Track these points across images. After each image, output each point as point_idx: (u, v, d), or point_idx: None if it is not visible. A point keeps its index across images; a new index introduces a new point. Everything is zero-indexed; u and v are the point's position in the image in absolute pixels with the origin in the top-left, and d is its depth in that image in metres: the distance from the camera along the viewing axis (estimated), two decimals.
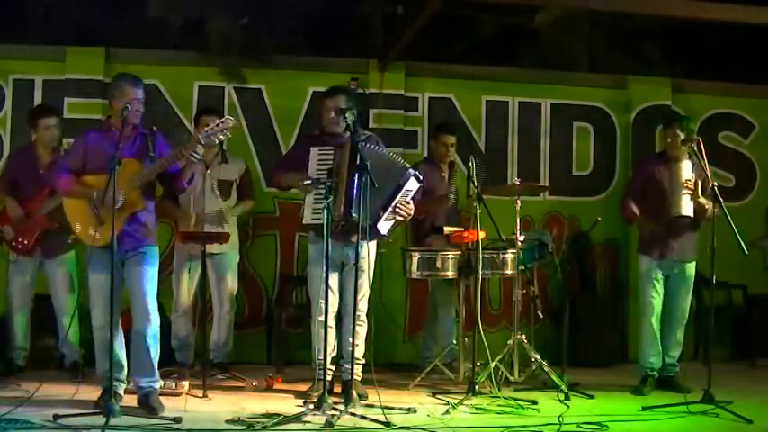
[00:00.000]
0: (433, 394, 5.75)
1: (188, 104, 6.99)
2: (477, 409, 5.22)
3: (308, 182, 5.27)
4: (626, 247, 7.52)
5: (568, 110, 7.69)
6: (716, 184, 5.52)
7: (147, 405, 4.83)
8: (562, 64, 8.14)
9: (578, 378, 6.08)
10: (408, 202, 5.47)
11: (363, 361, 5.56)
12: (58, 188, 5.20)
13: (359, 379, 5.52)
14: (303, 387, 5.65)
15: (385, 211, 5.35)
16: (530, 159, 7.60)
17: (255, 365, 6.58)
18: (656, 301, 5.99)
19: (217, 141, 5.03)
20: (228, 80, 7.09)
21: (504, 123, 7.59)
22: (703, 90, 7.87)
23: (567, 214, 7.61)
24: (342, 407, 4.93)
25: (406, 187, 5.39)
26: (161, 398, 4.99)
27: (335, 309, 5.46)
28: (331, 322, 5.34)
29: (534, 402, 5.34)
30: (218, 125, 4.85)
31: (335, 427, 4.62)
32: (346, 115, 5.34)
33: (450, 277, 6.00)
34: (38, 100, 6.81)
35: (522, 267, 6.08)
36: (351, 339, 5.32)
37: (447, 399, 5.53)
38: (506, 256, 5.96)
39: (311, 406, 4.95)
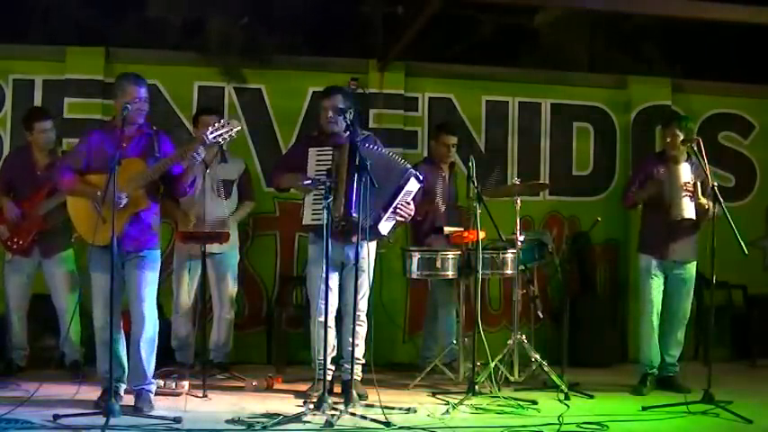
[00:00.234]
0: (433, 394, 5.75)
1: (188, 104, 6.99)
2: (477, 409, 5.22)
3: (308, 182, 5.26)
4: (626, 246, 7.52)
5: (568, 110, 7.69)
6: (716, 184, 5.52)
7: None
8: (562, 64, 8.14)
9: (578, 378, 6.08)
10: (409, 203, 5.47)
11: (363, 361, 5.56)
12: (61, 187, 5.20)
13: (359, 379, 5.52)
14: (303, 387, 5.65)
15: (386, 211, 5.35)
16: (530, 159, 7.60)
17: (255, 365, 6.58)
18: (656, 299, 5.99)
19: (222, 142, 5.02)
20: (228, 80, 7.10)
21: (504, 123, 7.59)
22: (703, 90, 7.87)
23: (566, 214, 7.61)
24: (342, 407, 4.93)
25: (406, 188, 5.39)
26: (161, 398, 4.99)
27: (335, 309, 5.46)
28: (331, 323, 5.34)
29: (534, 402, 5.34)
30: (224, 128, 4.85)
31: (335, 427, 4.62)
32: (346, 115, 5.35)
33: (450, 277, 6.00)
34: (38, 100, 6.82)
35: (522, 267, 6.08)
36: (351, 339, 5.32)
37: (447, 399, 5.53)
38: (506, 256, 5.96)
39: (311, 406, 4.95)
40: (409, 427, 4.69)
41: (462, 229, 6.11)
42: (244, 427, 4.59)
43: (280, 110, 7.18)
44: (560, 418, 4.94)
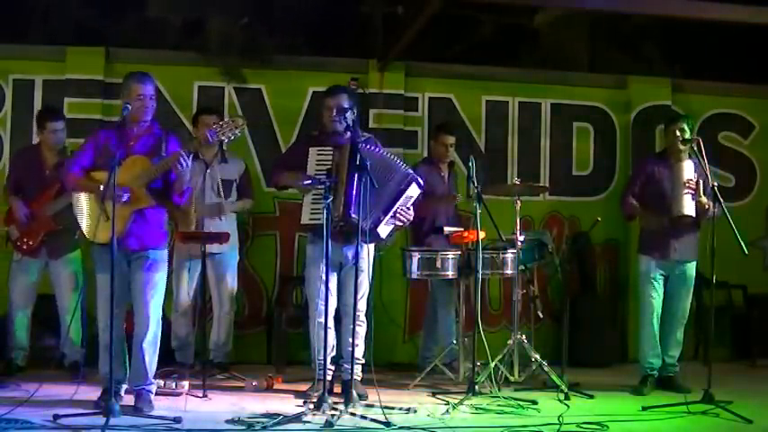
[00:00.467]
0: (433, 394, 5.75)
1: (188, 104, 6.99)
2: (477, 409, 5.21)
3: (308, 182, 5.25)
4: (626, 247, 7.52)
5: (568, 110, 7.70)
6: (716, 184, 5.52)
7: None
8: (562, 64, 8.14)
9: (578, 378, 6.08)
10: (409, 208, 5.47)
11: (363, 361, 5.56)
12: (65, 183, 5.22)
13: (359, 379, 5.52)
14: (303, 387, 5.65)
15: (386, 215, 5.35)
16: (530, 159, 7.60)
17: (255, 365, 6.58)
18: (656, 301, 5.99)
19: (226, 140, 5.01)
20: (228, 80, 7.10)
21: (504, 123, 7.59)
22: (703, 90, 7.87)
23: (567, 214, 7.61)
24: (342, 407, 4.93)
25: (407, 193, 5.39)
26: (161, 398, 4.99)
27: (334, 309, 5.46)
28: (330, 323, 5.33)
29: (534, 402, 5.34)
30: (228, 124, 4.85)
31: (335, 427, 4.61)
32: (346, 115, 5.34)
33: (450, 277, 6.00)
34: (38, 100, 6.82)
35: (522, 267, 6.08)
36: (350, 339, 5.32)
37: (447, 399, 5.53)
38: (506, 256, 5.96)
39: (311, 406, 4.95)
40: (409, 427, 4.69)
41: (462, 229, 6.12)
42: (244, 427, 4.58)
43: (280, 110, 7.18)
44: (560, 418, 4.94)
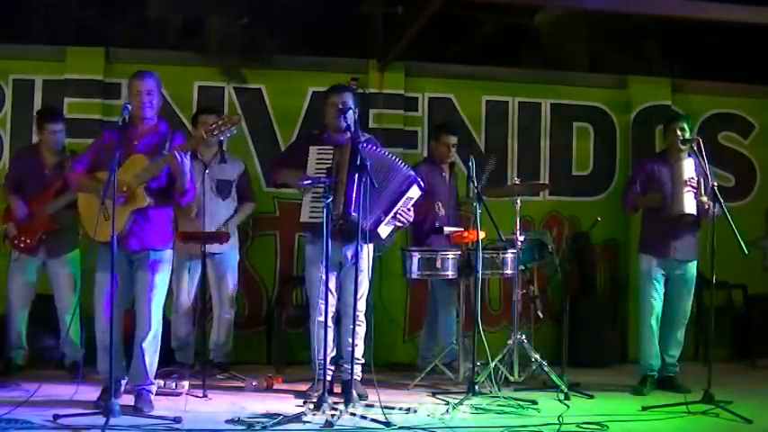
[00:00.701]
0: (433, 394, 5.75)
1: (188, 104, 6.99)
2: (477, 409, 5.21)
3: (307, 181, 5.24)
4: (626, 247, 7.52)
5: (568, 110, 7.69)
6: (716, 183, 5.52)
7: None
8: (562, 64, 8.14)
9: (578, 378, 6.08)
10: (409, 209, 5.47)
11: (363, 361, 5.56)
12: (69, 183, 5.26)
13: (359, 379, 5.52)
14: (303, 387, 5.65)
15: (386, 215, 5.35)
16: (530, 159, 7.60)
17: (255, 365, 6.58)
18: (656, 301, 5.99)
19: (222, 138, 5.00)
20: (228, 80, 7.10)
21: (504, 123, 7.59)
22: (703, 90, 7.87)
23: (567, 214, 7.61)
24: (342, 407, 4.93)
25: (408, 194, 5.39)
26: (161, 398, 4.99)
27: (334, 309, 5.46)
28: (330, 323, 5.33)
29: (534, 402, 5.34)
30: (224, 121, 4.84)
31: (335, 427, 4.61)
32: (347, 115, 5.34)
33: (450, 277, 6.00)
34: (38, 100, 6.82)
35: (522, 267, 6.08)
36: (350, 339, 5.32)
37: (447, 399, 5.53)
38: (506, 256, 5.96)
39: (311, 406, 4.95)
40: (409, 427, 4.69)
41: (462, 229, 6.11)
42: (244, 427, 4.58)
43: (280, 110, 7.18)
44: (560, 418, 4.94)
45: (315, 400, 5.01)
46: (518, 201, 6.06)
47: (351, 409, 4.90)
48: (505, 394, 5.49)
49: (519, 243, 5.95)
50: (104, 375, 4.88)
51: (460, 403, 5.26)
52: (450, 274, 5.95)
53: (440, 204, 6.31)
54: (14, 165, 6.17)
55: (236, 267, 6.41)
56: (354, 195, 5.16)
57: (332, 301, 5.35)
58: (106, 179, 4.65)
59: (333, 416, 4.73)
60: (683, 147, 5.87)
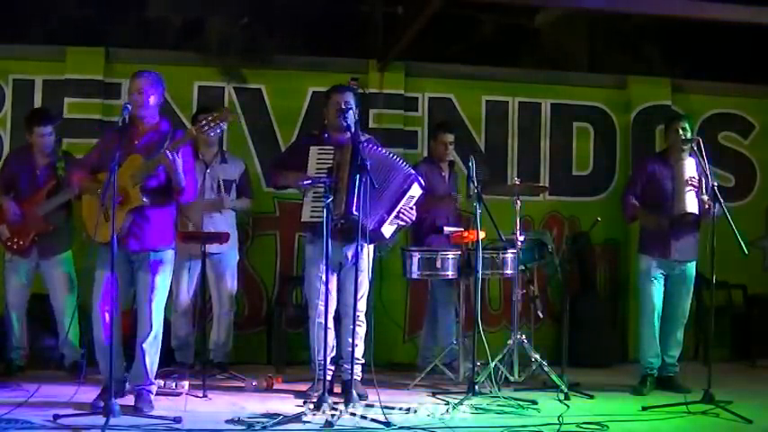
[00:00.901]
0: (433, 394, 5.75)
1: (188, 104, 6.99)
2: (477, 409, 5.21)
3: (308, 182, 5.24)
4: (626, 247, 7.52)
5: (568, 110, 7.69)
6: (716, 184, 5.52)
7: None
8: (562, 64, 8.15)
9: (578, 378, 6.08)
10: (412, 208, 5.48)
11: (363, 361, 5.56)
12: (71, 183, 5.30)
13: (359, 379, 5.52)
14: (303, 387, 5.65)
15: (389, 215, 5.35)
16: (530, 159, 7.60)
17: (255, 365, 6.57)
18: (656, 300, 5.99)
19: (212, 134, 4.98)
20: (228, 80, 7.10)
21: (504, 123, 7.59)
22: (703, 90, 7.87)
23: (567, 214, 7.61)
24: (342, 407, 4.92)
25: (410, 193, 5.39)
26: (161, 398, 4.98)
27: (334, 309, 5.46)
28: (330, 323, 5.33)
29: (534, 402, 5.34)
30: (215, 117, 4.81)
31: (335, 427, 4.61)
32: (347, 115, 5.33)
33: (450, 277, 6.00)
34: (38, 100, 6.82)
35: (522, 267, 6.08)
36: (350, 339, 5.31)
37: (447, 399, 5.53)
38: (506, 256, 5.96)
39: (311, 406, 4.94)
40: (409, 427, 4.69)
41: (462, 229, 6.12)
42: (244, 427, 4.58)
43: (280, 110, 7.18)
44: (560, 418, 4.94)
45: (315, 400, 5.00)
46: (518, 201, 6.06)
47: (351, 409, 4.90)
48: (505, 394, 5.49)
49: (519, 243, 5.95)
50: (104, 374, 4.88)
51: (460, 403, 5.26)
52: (451, 274, 5.95)
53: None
54: (7, 165, 6.15)
55: (236, 267, 6.40)
56: (356, 195, 5.15)
57: (332, 301, 5.35)
58: (105, 180, 4.65)
59: (333, 416, 4.73)
60: (683, 147, 5.87)
